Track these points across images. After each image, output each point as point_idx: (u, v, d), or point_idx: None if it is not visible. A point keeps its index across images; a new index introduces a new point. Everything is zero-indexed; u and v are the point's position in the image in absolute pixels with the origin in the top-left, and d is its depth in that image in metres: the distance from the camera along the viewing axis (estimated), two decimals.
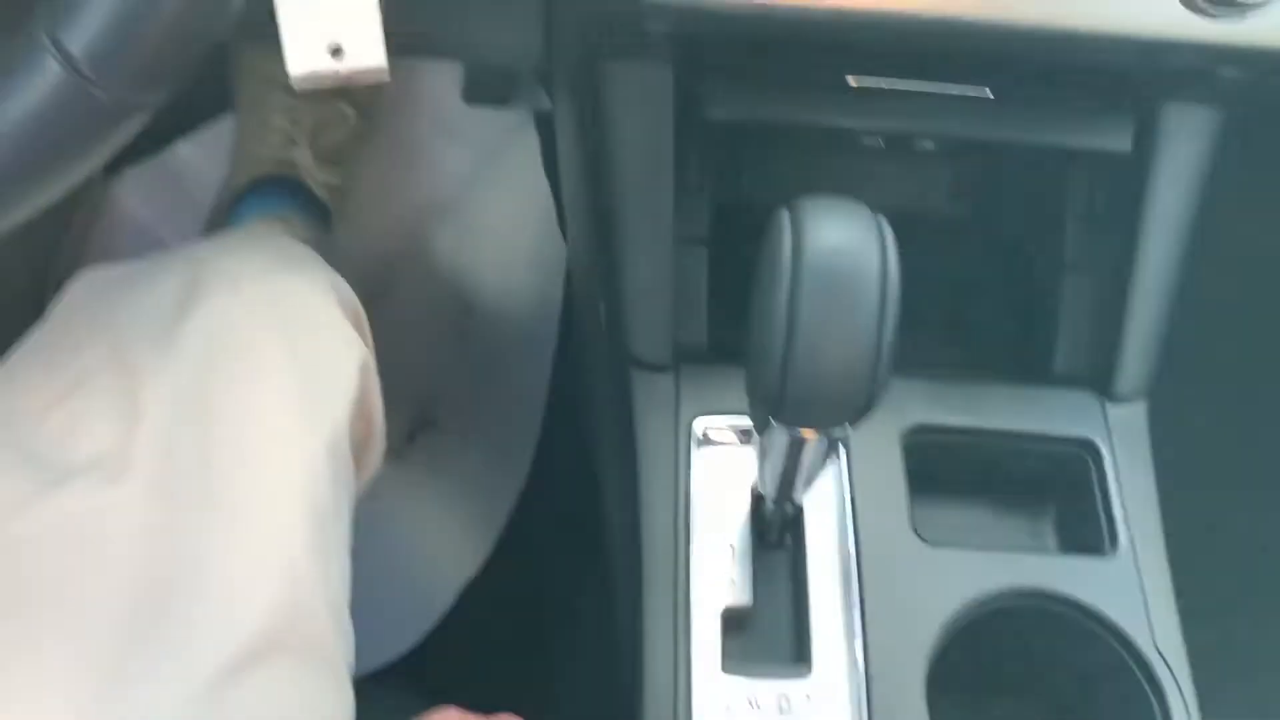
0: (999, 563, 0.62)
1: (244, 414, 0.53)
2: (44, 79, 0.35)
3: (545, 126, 1.10)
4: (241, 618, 0.49)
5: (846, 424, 0.50)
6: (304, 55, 0.47)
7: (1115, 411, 0.68)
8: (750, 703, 0.57)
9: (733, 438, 0.66)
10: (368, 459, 0.63)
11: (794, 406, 0.48)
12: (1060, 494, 0.69)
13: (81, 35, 0.35)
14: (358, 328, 0.62)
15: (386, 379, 0.64)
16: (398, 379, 0.67)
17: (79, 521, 0.48)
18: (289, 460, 0.53)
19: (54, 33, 0.35)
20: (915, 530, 0.63)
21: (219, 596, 0.49)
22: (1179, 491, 0.68)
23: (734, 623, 0.61)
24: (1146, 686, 0.60)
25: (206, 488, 0.51)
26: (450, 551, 1.03)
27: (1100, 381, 0.68)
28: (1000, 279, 0.75)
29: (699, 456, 0.65)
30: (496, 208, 1.14)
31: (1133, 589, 0.62)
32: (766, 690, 0.58)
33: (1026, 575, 0.61)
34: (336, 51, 0.47)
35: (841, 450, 0.65)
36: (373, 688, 0.63)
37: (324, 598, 0.53)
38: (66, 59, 0.35)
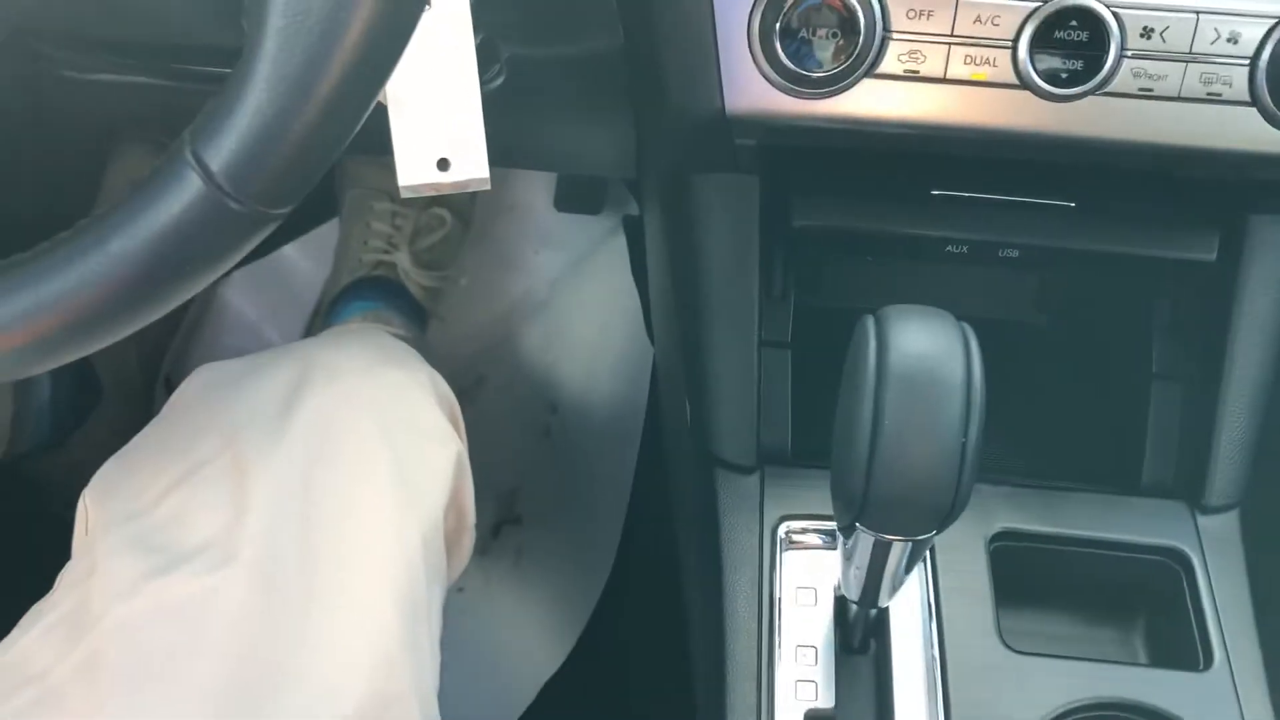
0: (1088, 673, 0.61)
1: (343, 505, 0.55)
2: (187, 192, 0.38)
3: (634, 231, 1.14)
4: (336, 706, 0.50)
5: (932, 529, 0.51)
6: (414, 168, 0.50)
7: (1206, 522, 0.67)
8: None
9: (817, 541, 0.67)
10: (459, 551, 0.65)
11: (878, 511, 0.48)
12: (1150, 605, 0.68)
13: (222, 153, 0.38)
14: (453, 422, 0.65)
15: (474, 473, 0.66)
16: (484, 474, 0.69)
17: (185, 604, 0.50)
18: (385, 553, 0.55)
19: (196, 149, 0.38)
20: (1001, 638, 0.62)
21: (316, 684, 0.50)
22: (1276, 605, 0.66)
23: None
24: None
25: (306, 577, 0.53)
26: (533, 647, 1.04)
27: (1190, 491, 0.67)
28: (1088, 387, 0.75)
29: (783, 558, 0.65)
30: (584, 310, 1.17)
31: (1229, 705, 0.60)
32: None
33: (1117, 687, 0.60)
34: (444, 164, 0.50)
35: (927, 555, 0.65)
36: None
37: (415, 688, 0.54)
38: (207, 174, 0.38)
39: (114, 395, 1.03)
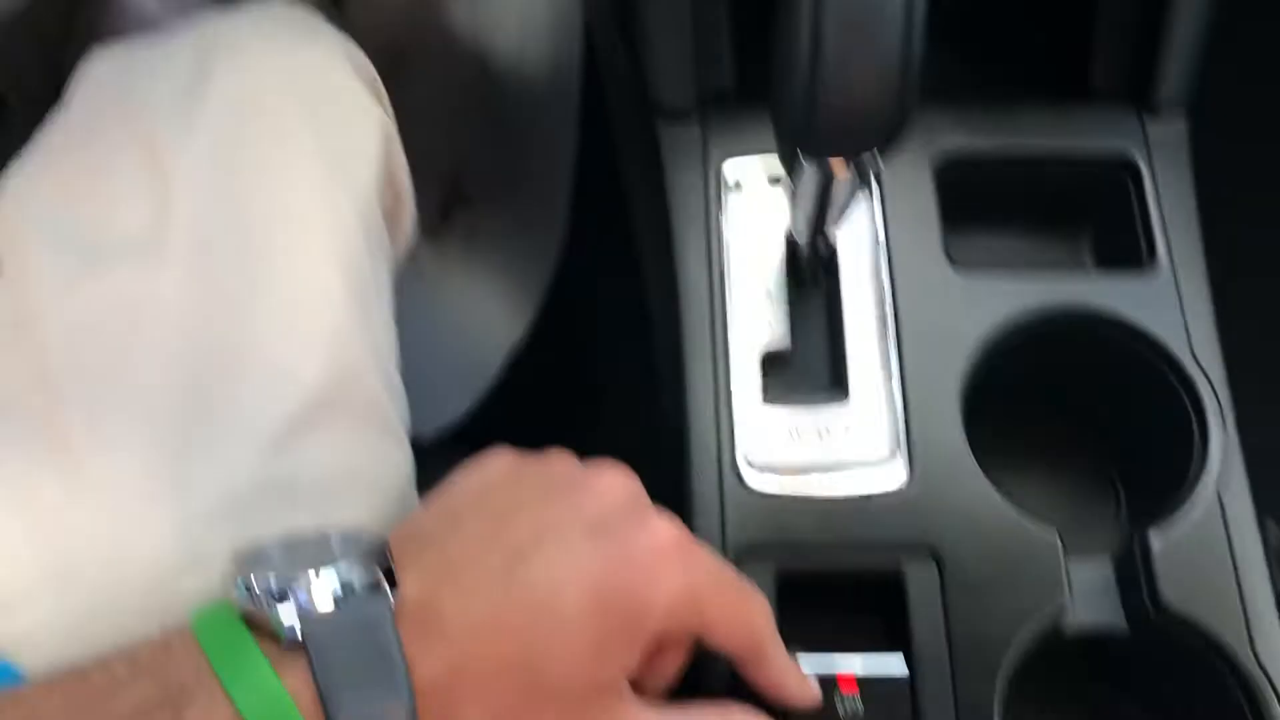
0: (1034, 283, 0.62)
1: (270, 185, 0.53)
2: None
3: None
4: (294, 385, 0.50)
5: (877, 153, 0.49)
6: None
7: (1155, 128, 0.66)
8: (791, 432, 0.59)
9: (764, 182, 0.66)
10: (399, 229, 0.63)
11: (822, 134, 0.47)
12: (1097, 213, 0.68)
13: None
14: (377, 97, 0.62)
15: (413, 157, 0.64)
16: (425, 155, 0.66)
17: (127, 300, 0.49)
18: (321, 227, 0.54)
19: None
20: (949, 258, 0.63)
21: (271, 368, 0.50)
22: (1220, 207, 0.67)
23: (773, 363, 0.62)
24: (1184, 395, 0.61)
25: (244, 259, 0.51)
26: (496, 318, 1.05)
27: (1140, 91, 0.66)
28: None
29: (731, 202, 0.65)
30: None
31: (1170, 301, 0.62)
32: (806, 419, 0.59)
33: (1061, 293, 0.62)
34: None
35: (874, 185, 0.64)
36: (430, 450, 0.66)
37: (372, 362, 0.54)
38: None
39: (21, 113, 0.98)
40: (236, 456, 0.48)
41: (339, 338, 0.52)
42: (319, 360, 0.51)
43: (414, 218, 0.65)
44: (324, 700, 0.38)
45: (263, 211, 0.52)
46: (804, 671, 0.52)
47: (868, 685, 0.54)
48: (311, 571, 0.40)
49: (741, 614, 0.47)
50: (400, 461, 0.56)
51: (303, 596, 0.39)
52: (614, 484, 0.47)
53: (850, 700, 0.53)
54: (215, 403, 0.49)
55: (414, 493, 0.57)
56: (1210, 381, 0.60)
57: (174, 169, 0.51)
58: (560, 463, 0.49)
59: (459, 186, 1.11)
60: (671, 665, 0.49)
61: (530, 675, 0.41)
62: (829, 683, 0.54)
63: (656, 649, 0.46)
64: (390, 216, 0.62)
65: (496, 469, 0.48)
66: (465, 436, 0.99)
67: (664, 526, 0.45)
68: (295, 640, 0.39)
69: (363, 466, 0.53)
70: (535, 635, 0.41)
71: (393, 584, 0.41)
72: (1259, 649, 0.54)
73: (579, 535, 0.44)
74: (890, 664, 0.54)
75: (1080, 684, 0.61)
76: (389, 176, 0.61)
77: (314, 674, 0.38)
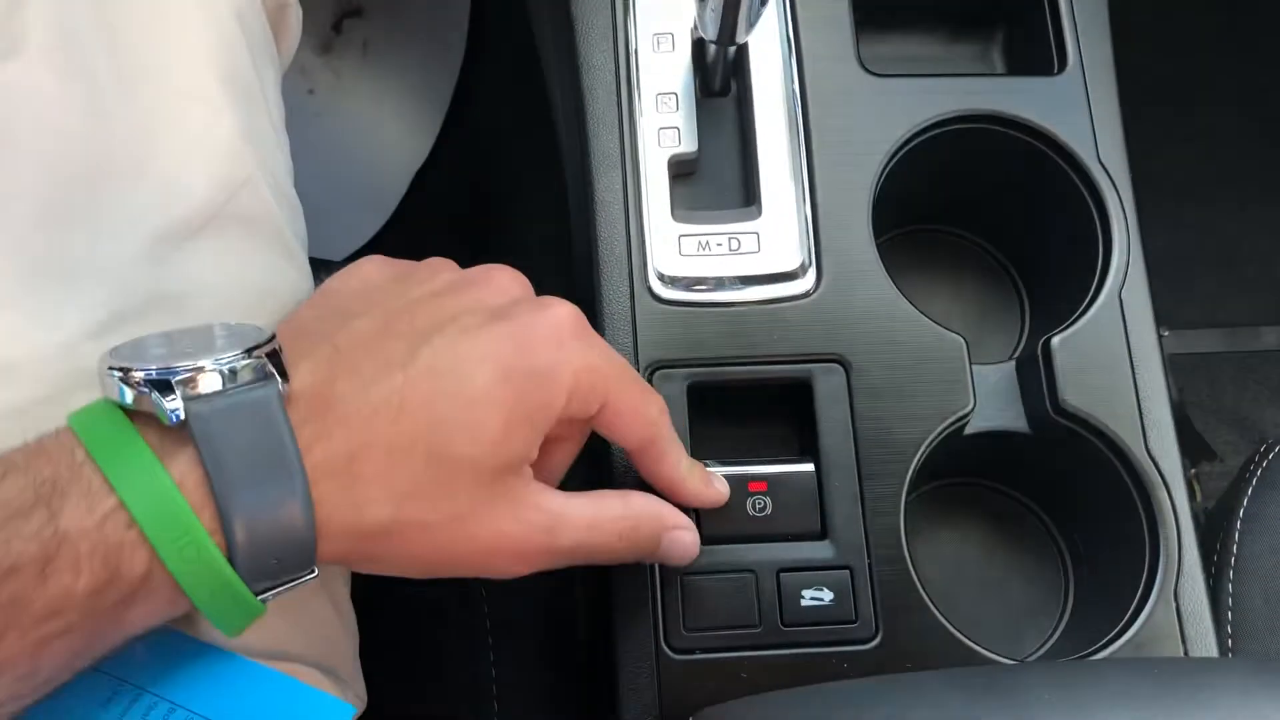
0: (946, 88, 0.61)
1: None
2: None
3: None
4: (177, 194, 0.48)
5: None
6: None
7: None
8: (701, 245, 0.58)
9: None
10: (285, 29, 0.59)
11: None
12: (1009, 17, 0.67)
13: None
14: None
15: None
16: None
17: None
18: (195, 27, 0.50)
19: None
20: (861, 63, 0.61)
21: (154, 177, 0.47)
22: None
23: (683, 174, 0.61)
24: (1089, 200, 0.61)
25: (113, 59, 0.48)
26: (398, 138, 1.01)
27: None
28: None
29: (636, 5, 0.62)
30: None
31: (1079, 106, 0.61)
32: (717, 233, 0.59)
33: (974, 99, 0.61)
34: None
35: None
36: (337, 268, 0.64)
37: (261, 173, 0.51)
38: None
39: None
40: (122, 270, 0.46)
41: (225, 149, 0.49)
42: (202, 167, 0.48)
43: (299, 20, 0.61)
44: (213, 486, 0.37)
45: (130, 9, 0.48)
46: (710, 473, 0.52)
47: (776, 482, 0.55)
48: (194, 358, 0.38)
49: (639, 403, 0.47)
50: (295, 278, 0.54)
51: (184, 383, 0.37)
52: (508, 279, 0.46)
53: (759, 498, 0.54)
54: (97, 212, 0.46)
55: None
56: (1116, 187, 0.60)
57: None
58: (446, 265, 0.47)
59: None
60: (566, 455, 0.49)
61: (435, 454, 0.41)
62: (737, 481, 0.54)
63: (553, 437, 0.46)
64: (274, 15, 0.58)
65: (375, 271, 0.47)
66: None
67: (564, 309, 0.44)
68: (179, 424, 0.37)
69: (254, 279, 0.50)
70: (441, 413, 0.41)
71: (282, 373, 0.40)
72: (1151, 444, 0.56)
73: (482, 320, 0.43)
74: (800, 469, 0.55)
75: (981, 488, 0.63)
76: None
77: (202, 461, 0.37)
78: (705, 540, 0.52)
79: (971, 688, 0.38)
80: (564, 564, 0.46)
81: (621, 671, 0.52)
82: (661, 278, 0.57)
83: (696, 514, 0.53)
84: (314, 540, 0.39)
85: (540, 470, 0.46)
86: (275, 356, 0.40)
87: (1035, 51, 0.65)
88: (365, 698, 0.52)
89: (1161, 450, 0.56)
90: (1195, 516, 0.56)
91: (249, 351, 0.39)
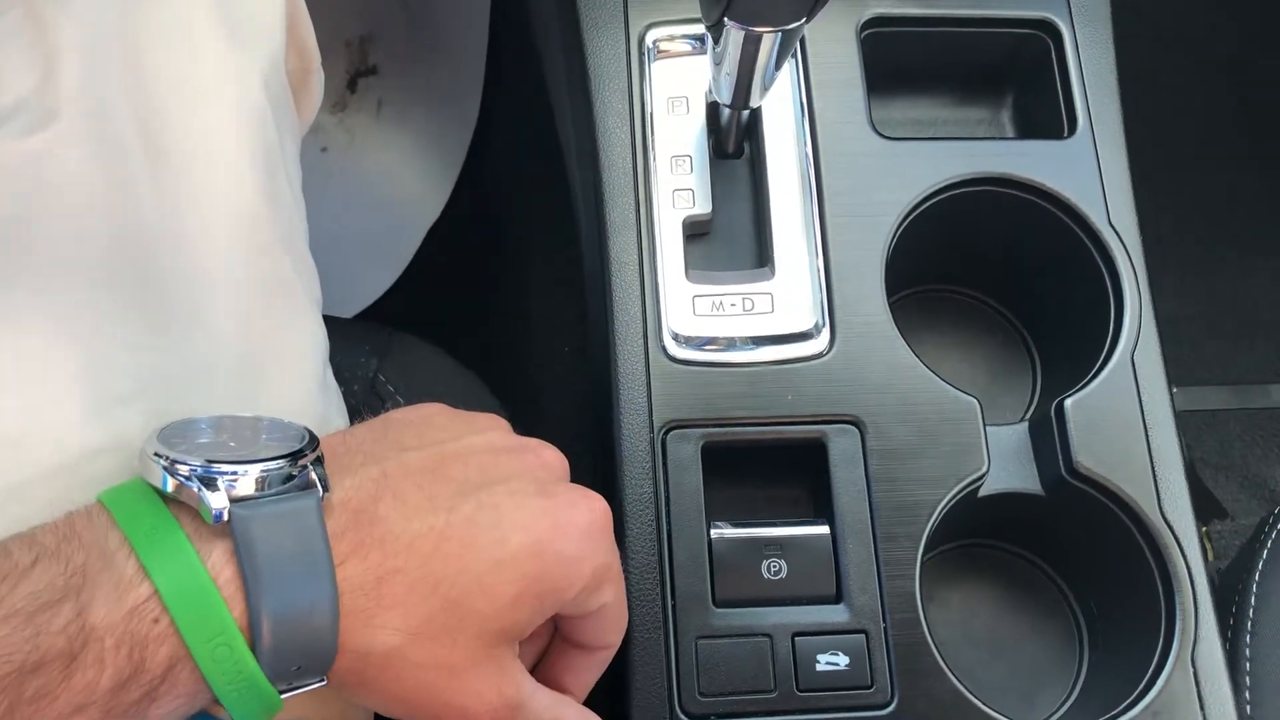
0: (958, 151, 0.61)
1: (169, 49, 0.50)
2: None
3: None
4: (206, 265, 0.48)
5: (802, 16, 0.48)
6: None
7: None
8: (715, 306, 0.59)
9: (686, 47, 0.64)
10: (307, 95, 0.60)
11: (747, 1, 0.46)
12: (1019, 81, 0.68)
13: None
14: None
15: (317, 24, 0.60)
16: (331, 25, 0.63)
17: (27, 162, 0.46)
18: (227, 98, 0.51)
19: None
20: (873, 126, 0.62)
21: (182, 247, 0.48)
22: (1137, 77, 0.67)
23: (697, 235, 0.61)
24: (1100, 263, 0.61)
25: (144, 130, 0.48)
26: (410, 195, 1.02)
27: None
28: None
29: (652, 69, 0.63)
30: None
31: (1090, 169, 0.62)
32: (731, 293, 0.59)
33: (985, 162, 0.61)
34: None
35: (797, 49, 0.63)
36: (349, 325, 0.65)
37: (281, 241, 0.52)
38: None
39: None
40: (151, 337, 0.46)
41: (248, 217, 0.50)
42: (229, 239, 0.49)
43: (321, 85, 0.62)
44: (246, 584, 0.37)
45: (162, 78, 0.49)
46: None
47: (791, 545, 0.55)
48: (239, 456, 0.39)
49: (624, 613, 0.49)
50: (314, 340, 0.54)
51: (230, 480, 0.38)
52: (555, 457, 0.47)
53: (774, 560, 0.54)
54: (127, 281, 0.46)
55: (330, 373, 0.55)
56: (1127, 250, 0.61)
57: (60, 33, 0.47)
58: (501, 424, 0.49)
59: (366, 55, 1.07)
60: (529, 656, 0.50)
61: (453, 601, 0.41)
62: (754, 544, 0.54)
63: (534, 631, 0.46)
64: (297, 81, 0.59)
65: (437, 413, 0.48)
66: (384, 315, 0.97)
67: (600, 503, 0.46)
68: (221, 522, 0.38)
69: (276, 346, 0.51)
70: (470, 565, 0.41)
71: (324, 483, 0.40)
72: (1165, 508, 0.56)
73: (529, 490, 0.44)
74: (816, 532, 0.55)
75: (996, 550, 0.63)
76: (295, 41, 0.58)
77: (237, 558, 0.38)
78: (720, 604, 0.52)
79: None
80: None
81: None
82: (676, 338, 0.58)
83: (712, 575, 0.53)
84: (335, 648, 0.40)
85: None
86: (319, 464, 0.41)
87: (1045, 115, 0.66)
88: None
89: (1176, 513, 0.56)
90: (1210, 579, 0.56)
91: (294, 457, 0.40)
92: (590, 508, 0.45)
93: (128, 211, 0.47)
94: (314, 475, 0.40)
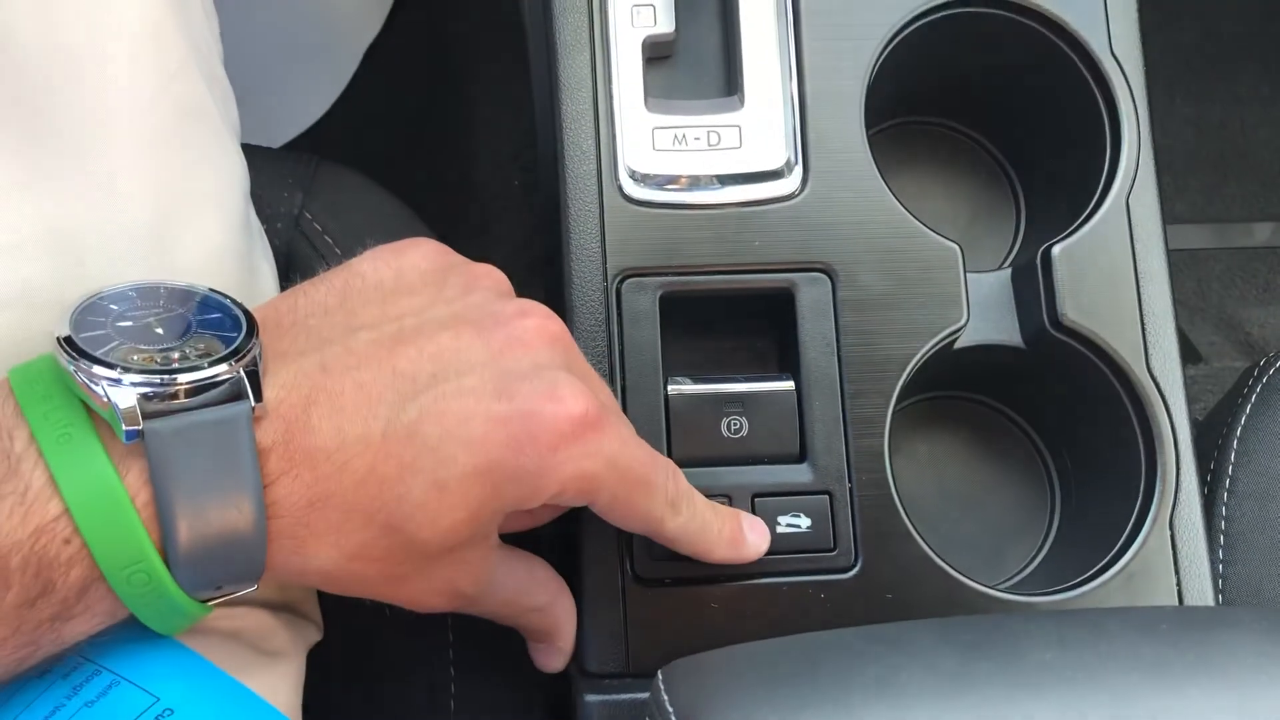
0: None
1: None
2: None
3: None
4: (108, 92, 0.43)
5: None
6: None
7: None
8: (677, 139, 0.53)
9: None
10: None
11: None
12: None
13: None
14: None
15: None
16: None
17: None
18: None
19: None
20: None
21: (80, 73, 0.43)
22: None
23: (658, 57, 0.55)
24: (1099, 97, 0.56)
25: None
26: (351, 7, 0.94)
27: None
28: None
29: None
30: None
31: None
32: (695, 125, 0.53)
33: None
34: None
35: None
36: (269, 155, 0.59)
37: (193, 60, 0.46)
38: None
39: None
40: (47, 176, 0.41)
41: (151, 33, 0.44)
42: (131, 59, 0.43)
43: None
44: (159, 508, 0.34)
45: None
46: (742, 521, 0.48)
47: (753, 401, 0.51)
48: (166, 357, 0.35)
49: (636, 504, 0.43)
50: (235, 175, 0.49)
51: (151, 390, 0.34)
52: (538, 330, 0.41)
53: (735, 418, 0.51)
54: (24, 113, 0.41)
55: (253, 212, 0.50)
56: (1129, 82, 0.56)
57: None
58: (490, 281, 0.43)
59: None
60: (540, 519, 0.47)
61: (394, 526, 0.37)
62: (713, 400, 0.51)
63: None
64: None
65: (416, 266, 0.42)
66: (313, 145, 0.90)
67: (575, 399, 0.39)
68: (133, 438, 0.34)
69: (193, 184, 0.45)
70: (409, 489, 0.37)
71: (256, 386, 0.36)
72: (1153, 364, 0.53)
73: (485, 387, 0.38)
74: (780, 388, 0.52)
75: (970, 404, 0.60)
76: None
77: (155, 478, 0.34)
78: (678, 463, 0.49)
79: (963, 644, 0.35)
80: None
81: (586, 602, 0.48)
82: (633, 175, 0.53)
83: (668, 433, 0.50)
84: (262, 569, 0.37)
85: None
86: (254, 362, 0.36)
87: None
88: (322, 625, 0.49)
89: (1163, 370, 0.53)
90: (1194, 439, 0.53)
91: (229, 357, 0.35)
92: (558, 404, 0.39)
93: (20, 33, 0.41)
94: (244, 381, 0.35)
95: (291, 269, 0.55)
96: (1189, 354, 0.98)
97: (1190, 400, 0.54)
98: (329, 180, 0.58)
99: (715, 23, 0.56)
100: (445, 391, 0.38)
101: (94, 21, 0.43)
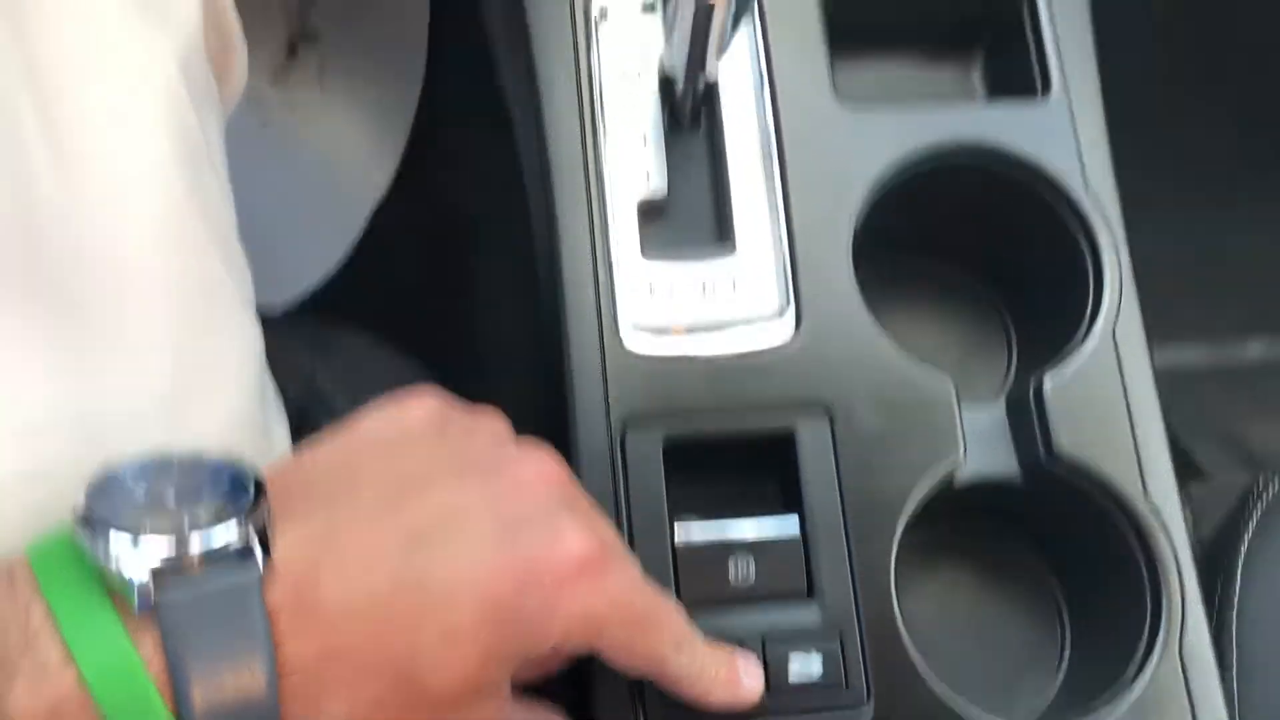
0: (924, 118, 0.58)
1: (74, 23, 0.45)
2: None
3: None
4: (127, 276, 0.44)
5: None
6: None
7: None
8: (673, 288, 0.55)
9: (636, 9, 0.60)
10: (229, 75, 0.56)
11: None
12: (990, 38, 0.64)
13: None
14: None
15: None
16: None
17: None
18: (140, 82, 0.46)
19: None
20: (836, 93, 0.58)
21: (100, 256, 0.44)
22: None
23: (652, 214, 0.58)
24: (1078, 232, 0.58)
25: (51, 124, 0.44)
26: (357, 167, 0.98)
27: None
28: None
29: (600, 34, 0.59)
30: None
31: (1065, 132, 0.59)
32: (689, 273, 0.56)
33: (954, 129, 0.58)
34: None
35: (755, 11, 0.59)
36: (282, 321, 0.61)
37: (209, 237, 0.48)
38: None
39: None
40: (71, 358, 0.42)
41: (174, 216, 0.46)
42: (155, 243, 0.45)
43: (245, 65, 0.58)
44: (173, 676, 0.34)
45: (64, 55, 0.44)
46: (733, 655, 0.48)
47: (760, 548, 0.52)
48: (177, 521, 0.35)
49: (640, 643, 0.43)
50: (251, 346, 0.50)
51: (159, 555, 0.35)
52: (538, 473, 0.42)
53: (742, 560, 0.52)
54: (41, 297, 0.42)
55: (268, 375, 0.52)
56: (1105, 217, 0.58)
57: None
58: (489, 427, 0.44)
59: (305, 20, 1.02)
60: (549, 667, 0.46)
61: (406, 677, 0.38)
62: (721, 548, 0.52)
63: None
64: (219, 62, 0.54)
65: (416, 418, 0.43)
66: (321, 302, 0.92)
67: (578, 540, 0.40)
68: (146, 609, 0.34)
69: (210, 358, 0.47)
70: (420, 638, 0.37)
71: (266, 547, 0.36)
72: (1151, 490, 0.53)
73: (488, 534, 0.39)
74: (785, 526, 0.52)
75: (973, 533, 0.60)
76: (213, 17, 0.53)
77: (169, 645, 0.34)
78: (686, 606, 0.49)
79: None
80: None
81: None
82: (633, 326, 0.54)
83: (676, 576, 0.51)
84: None
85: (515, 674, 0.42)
86: (261, 520, 0.37)
87: (1017, 73, 0.62)
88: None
89: (1162, 496, 0.53)
90: (1195, 561, 0.53)
91: (235, 515, 0.36)
92: (562, 546, 0.39)
93: (39, 216, 0.43)
94: (254, 541, 0.36)
95: (304, 430, 0.57)
96: (1191, 471, 0.98)
97: (1195, 516, 0.54)
98: (342, 344, 0.60)
99: (705, 177, 0.59)
100: (450, 541, 0.38)
101: (117, 212, 0.45)
